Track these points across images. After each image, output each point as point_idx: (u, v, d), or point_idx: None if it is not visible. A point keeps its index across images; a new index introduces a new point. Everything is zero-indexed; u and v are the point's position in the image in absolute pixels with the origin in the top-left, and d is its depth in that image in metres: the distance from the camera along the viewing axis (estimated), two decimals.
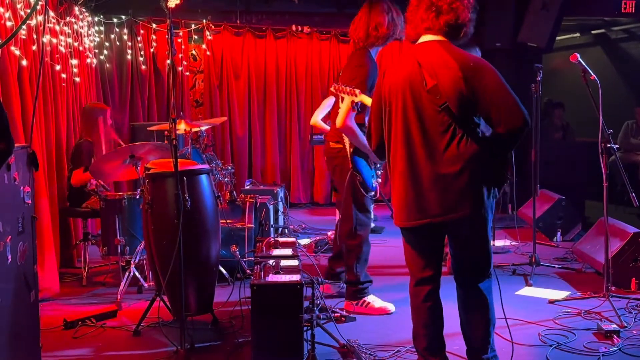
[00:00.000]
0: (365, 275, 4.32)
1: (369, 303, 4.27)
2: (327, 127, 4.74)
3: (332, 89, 4.60)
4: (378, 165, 4.28)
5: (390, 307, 4.31)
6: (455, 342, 3.47)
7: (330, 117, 4.53)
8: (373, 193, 4.20)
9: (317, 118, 4.93)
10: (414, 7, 3.01)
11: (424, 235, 3.05)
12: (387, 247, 6.34)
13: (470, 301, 3.06)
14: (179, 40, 8.32)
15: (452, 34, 2.95)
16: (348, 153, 4.09)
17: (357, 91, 3.70)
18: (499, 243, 6.23)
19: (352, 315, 4.18)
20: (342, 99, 3.91)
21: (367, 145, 4.05)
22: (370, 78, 4.01)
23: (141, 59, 8.14)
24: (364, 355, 3.51)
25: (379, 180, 4.27)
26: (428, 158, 2.88)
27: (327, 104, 4.86)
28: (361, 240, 4.25)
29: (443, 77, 2.82)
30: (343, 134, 4.07)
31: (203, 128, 5.58)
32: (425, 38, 2.98)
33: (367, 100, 3.66)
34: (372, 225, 6.93)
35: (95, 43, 7.18)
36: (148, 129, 5.88)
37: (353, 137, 4.02)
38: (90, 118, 5.52)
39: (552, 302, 4.49)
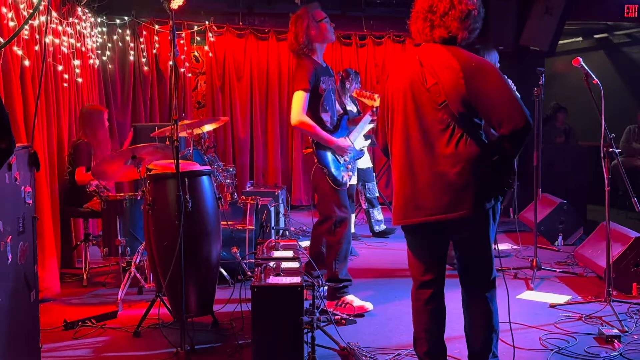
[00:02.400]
0: (346, 274, 4.33)
1: (347, 302, 4.27)
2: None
3: (353, 94, 4.76)
4: (348, 159, 4.30)
5: (369, 305, 4.31)
6: (455, 346, 3.46)
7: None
8: (344, 186, 4.26)
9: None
10: (413, 19, 3.04)
11: (423, 236, 3.04)
12: (387, 249, 6.33)
13: (473, 306, 3.05)
14: (182, 41, 8.33)
15: (448, 43, 2.94)
16: (313, 150, 4.20)
17: (376, 96, 3.74)
18: (500, 247, 6.22)
19: (351, 317, 4.17)
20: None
21: (327, 137, 4.20)
22: (311, 75, 4.17)
23: (143, 60, 8.15)
24: (364, 358, 3.50)
25: (350, 173, 4.31)
26: (426, 156, 2.87)
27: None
28: (340, 237, 4.25)
29: (444, 76, 2.82)
30: (304, 131, 4.21)
31: (205, 130, 5.58)
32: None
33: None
34: (383, 227, 6.95)
35: (98, 44, 7.20)
36: (151, 135, 5.89)
37: (310, 130, 4.17)
38: (89, 120, 5.53)
39: (553, 306, 4.48)
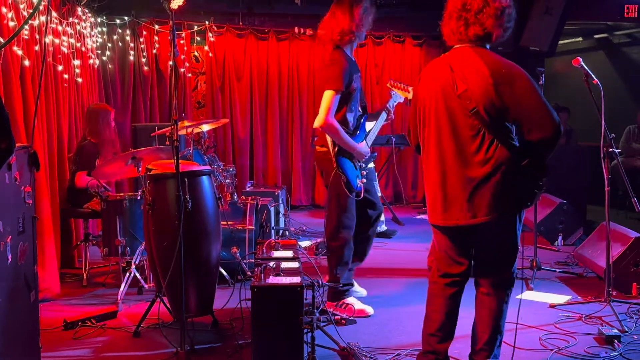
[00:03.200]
0: (347, 277, 4.31)
1: (348, 305, 4.25)
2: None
3: (388, 84, 4.57)
4: (363, 165, 4.28)
5: (369, 309, 4.29)
6: (456, 346, 3.46)
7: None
8: (357, 193, 4.20)
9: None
10: (446, 19, 3.05)
11: (452, 236, 3.08)
12: (387, 249, 6.33)
13: (486, 304, 3.08)
14: (182, 41, 8.33)
15: (483, 42, 2.98)
16: (332, 154, 4.09)
17: (410, 88, 3.65)
18: None
19: (351, 317, 4.17)
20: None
21: (349, 142, 4.09)
22: (346, 73, 3.98)
23: (143, 60, 8.15)
24: (364, 358, 3.50)
25: (364, 180, 4.26)
26: (458, 161, 2.91)
27: None
28: (343, 242, 4.22)
29: (473, 82, 2.85)
30: (327, 137, 4.07)
31: (205, 129, 5.58)
32: (460, 44, 3.02)
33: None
34: (384, 228, 6.94)
35: (98, 44, 7.20)
36: (151, 134, 5.89)
37: (335, 135, 4.02)
38: (96, 118, 5.52)
39: (553, 306, 4.48)
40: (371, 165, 6.86)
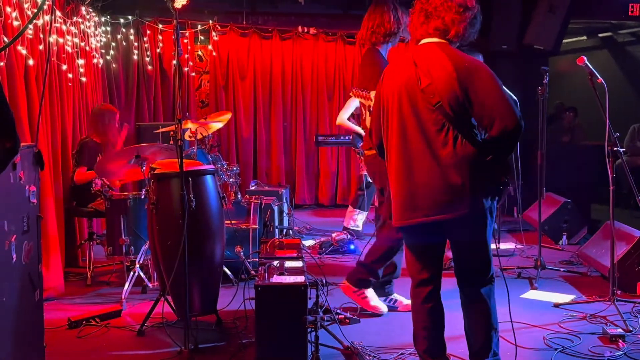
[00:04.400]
0: (380, 271, 4.27)
1: (366, 297, 4.25)
2: (355, 127, 4.79)
3: (350, 93, 4.64)
4: None
5: (383, 308, 4.29)
6: (460, 345, 3.46)
7: (360, 123, 4.50)
8: None
9: (343, 118, 4.97)
10: (411, 15, 3.06)
11: (420, 235, 3.05)
12: None
13: (471, 305, 3.05)
14: (185, 40, 8.34)
15: (444, 37, 2.96)
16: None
17: (372, 94, 3.71)
18: (504, 246, 6.21)
19: (355, 317, 4.17)
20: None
21: None
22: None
23: (147, 59, 8.16)
24: (367, 357, 3.50)
25: None
26: (424, 157, 2.88)
27: (352, 104, 4.93)
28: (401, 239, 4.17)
29: (437, 76, 2.83)
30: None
31: (211, 129, 5.59)
32: (424, 41, 3.01)
33: None
34: None
35: (102, 43, 7.20)
36: (155, 131, 5.90)
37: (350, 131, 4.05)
38: (101, 120, 5.52)
39: (557, 305, 4.48)
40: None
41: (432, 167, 2.86)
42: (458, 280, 3.09)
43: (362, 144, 4.33)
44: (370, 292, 4.28)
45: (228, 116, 5.87)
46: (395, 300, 4.42)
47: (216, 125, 5.76)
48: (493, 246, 3.04)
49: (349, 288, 4.27)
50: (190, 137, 5.53)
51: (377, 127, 3.17)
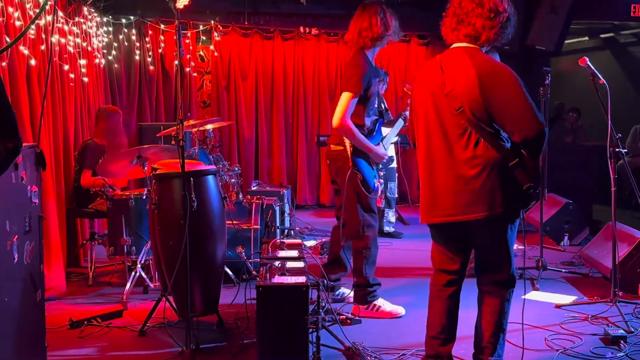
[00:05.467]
0: (374, 277, 4.30)
1: (379, 307, 4.25)
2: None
3: (404, 89, 4.63)
4: (380, 165, 4.28)
5: (401, 310, 4.29)
6: (461, 346, 3.46)
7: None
8: (375, 193, 4.20)
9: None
10: (445, 17, 3.08)
11: (445, 232, 3.11)
12: (393, 249, 6.32)
13: (486, 303, 3.09)
14: (187, 41, 8.34)
15: (475, 42, 2.99)
16: (349, 153, 4.11)
17: (343, 96, 3.90)
18: None
19: (358, 318, 4.16)
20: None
21: (366, 143, 4.13)
22: (365, 77, 4.04)
23: (149, 59, 8.16)
24: (369, 358, 3.50)
25: (381, 180, 4.27)
26: (445, 159, 2.95)
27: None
28: (369, 242, 4.22)
29: (460, 82, 2.89)
30: (344, 136, 4.09)
31: (209, 127, 5.59)
32: (455, 45, 3.05)
33: None
34: (392, 229, 6.93)
35: (104, 43, 7.21)
36: (157, 135, 5.90)
37: (351, 136, 4.06)
38: (105, 120, 5.52)
39: (558, 306, 4.47)
40: (394, 165, 6.84)
41: (452, 169, 2.93)
42: (478, 275, 3.14)
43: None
44: (380, 301, 4.29)
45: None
46: (344, 293, 4.54)
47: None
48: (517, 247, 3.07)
49: (358, 309, 4.27)
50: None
51: (412, 129, 3.25)
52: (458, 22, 2.98)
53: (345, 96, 4.02)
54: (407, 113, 4.59)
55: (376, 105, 4.33)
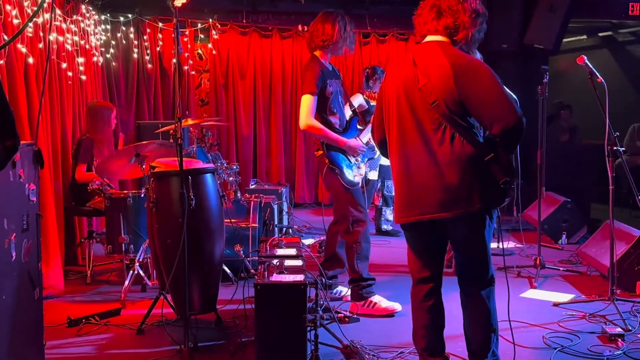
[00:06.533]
0: (367, 272, 4.31)
1: (375, 303, 4.26)
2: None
3: (364, 96, 4.69)
4: (359, 159, 4.30)
5: (397, 306, 4.29)
6: (458, 344, 3.46)
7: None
8: (357, 185, 4.23)
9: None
10: (420, 9, 3.06)
11: (420, 233, 3.06)
12: (391, 247, 6.33)
13: (470, 305, 3.06)
14: (185, 39, 8.34)
15: (451, 36, 2.96)
16: (323, 151, 4.18)
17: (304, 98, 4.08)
18: (504, 245, 6.21)
19: (356, 316, 4.17)
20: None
21: (337, 139, 4.20)
22: (319, 78, 4.16)
23: (147, 57, 8.16)
24: (367, 356, 3.50)
25: (362, 173, 4.29)
26: (421, 156, 2.89)
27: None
28: (359, 236, 4.24)
29: (434, 75, 2.84)
30: (313, 135, 4.21)
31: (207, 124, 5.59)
32: (428, 39, 3.02)
33: None
34: (390, 228, 6.93)
35: (102, 41, 7.20)
36: (155, 131, 5.90)
37: (319, 134, 4.16)
38: (96, 116, 5.53)
39: (556, 304, 4.48)
40: (385, 162, 6.84)
41: (429, 166, 2.87)
42: (458, 279, 3.10)
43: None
44: (376, 297, 4.30)
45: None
46: (341, 292, 4.58)
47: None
48: (494, 245, 3.04)
49: (355, 306, 4.28)
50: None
51: (379, 125, 3.19)
52: (439, 12, 2.95)
53: (304, 98, 4.16)
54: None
55: (342, 104, 4.38)
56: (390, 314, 4.24)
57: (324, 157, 4.18)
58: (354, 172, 4.23)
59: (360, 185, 4.29)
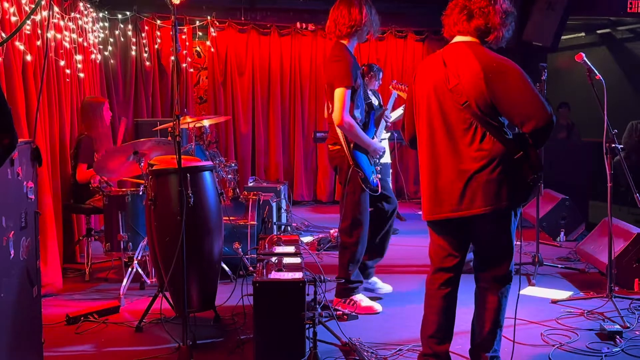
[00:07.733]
0: (357, 274, 4.30)
1: (355, 302, 4.24)
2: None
3: (390, 87, 4.71)
4: (377, 160, 4.29)
5: (377, 307, 4.28)
6: (457, 342, 3.46)
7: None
8: (373, 189, 4.20)
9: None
10: (450, 10, 3.07)
11: (448, 228, 3.09)
12: (390, 245, 6.32)
13: (485, 300, 3.08)
14: (184, 36, 8.33)
15: (482, 38, 3.00)
16: (347, 151, 4.09)
17: (337, 92, 3.89)
18: None
19: (353, 313, 4.17)
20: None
21: (365, 139, 4.13)
22: (353, 68, 3.99)
23: (145, 55, 8.15)
24: (365, 353, 3.50)
25: (379, 175, 4.27)
26: (450, 154, 2.94)
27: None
28: (357, 239, 4.22)
29: (465, 76, 2.88)
30: (339, 134, 4.08)
31: (206, 124, 5.58)
32: (457, 39, 3.05)
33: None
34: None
35: (100, 39, 7.19)
36: (153, 129, 5.89)
37: (352, 133, 4.04)
38: (89, 113, 5.53)
39: (554, 302, 4.49)
40: (388, 160, 6.84)
41: (457, 164, 2.92)
42: (477, 273, 3.13)
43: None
44: (358, 296, 4.28)
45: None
46: (375, 283, 4.61)
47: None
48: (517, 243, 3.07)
49: (337, 301, 4.28)
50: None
51: (409, 123, 3.23)
52: (469, 14, 2.97)
53: (339, 92, 3.94)
54: (387, 114, 4.63)
55: (363, 98, 4.24)
56: (370, 313, 4.23)
57: (345, 154, 4.08)
58: (373, 175, 4.20)
59: (378, 189, 4.23)
